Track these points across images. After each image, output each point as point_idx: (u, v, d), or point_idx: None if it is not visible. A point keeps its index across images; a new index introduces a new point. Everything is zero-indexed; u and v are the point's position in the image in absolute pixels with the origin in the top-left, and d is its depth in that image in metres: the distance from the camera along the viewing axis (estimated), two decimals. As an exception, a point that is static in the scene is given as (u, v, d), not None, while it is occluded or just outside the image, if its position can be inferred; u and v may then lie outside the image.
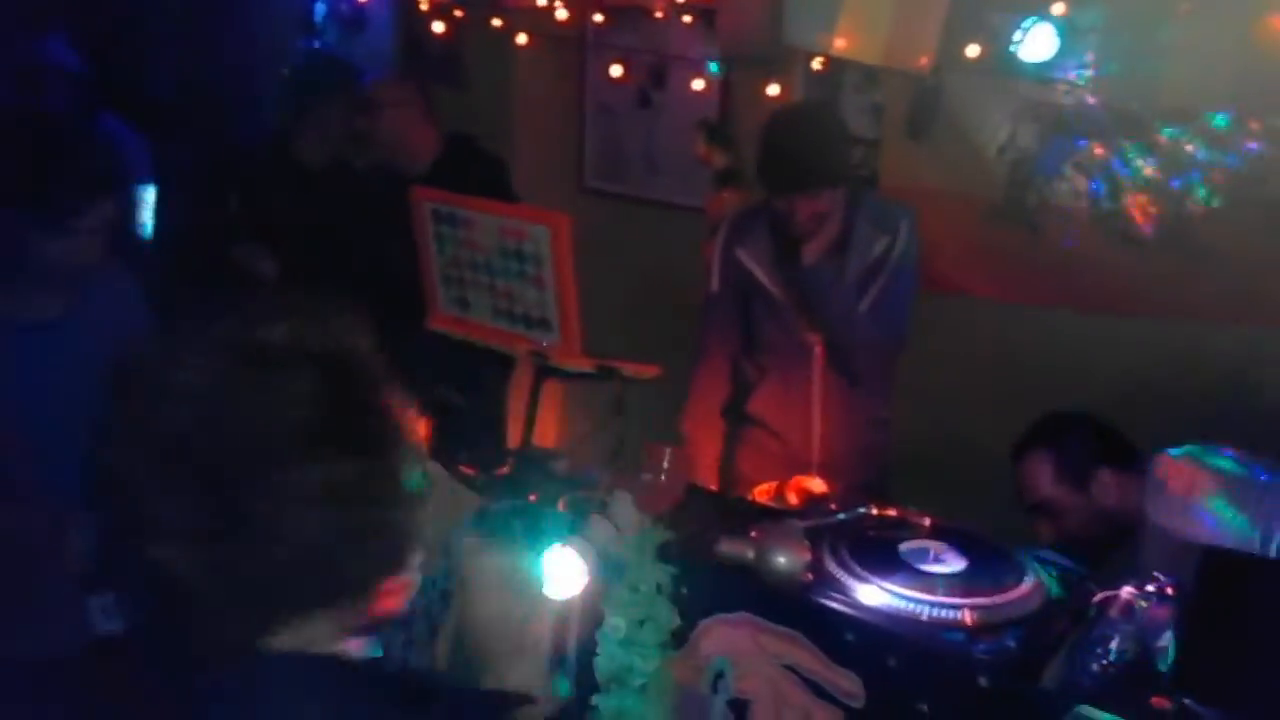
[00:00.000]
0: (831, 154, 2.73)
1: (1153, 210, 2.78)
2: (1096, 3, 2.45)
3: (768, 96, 3.39)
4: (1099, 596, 1.89)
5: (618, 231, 4.22)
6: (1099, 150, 2.91)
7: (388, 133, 3.41)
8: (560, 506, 2.12)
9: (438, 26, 3.74)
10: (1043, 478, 2.47)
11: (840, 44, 2.08)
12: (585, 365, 2.47)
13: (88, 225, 2.14)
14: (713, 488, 2.59)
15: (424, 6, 3.48)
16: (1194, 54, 1.92)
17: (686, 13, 3.55)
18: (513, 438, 3.19)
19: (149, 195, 4.16)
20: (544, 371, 2.52)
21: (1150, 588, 1.86)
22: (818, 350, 2.82)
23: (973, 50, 2.63)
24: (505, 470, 2.42)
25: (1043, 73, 2.86)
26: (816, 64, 3.02)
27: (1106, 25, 2.55)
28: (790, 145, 2.69)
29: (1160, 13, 1.98)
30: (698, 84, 3.76)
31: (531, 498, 2.22)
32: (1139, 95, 2.22)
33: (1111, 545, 2.34)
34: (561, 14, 3.55)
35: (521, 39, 3.78)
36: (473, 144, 3.53)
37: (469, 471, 2.37)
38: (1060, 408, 2.61)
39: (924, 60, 2.12)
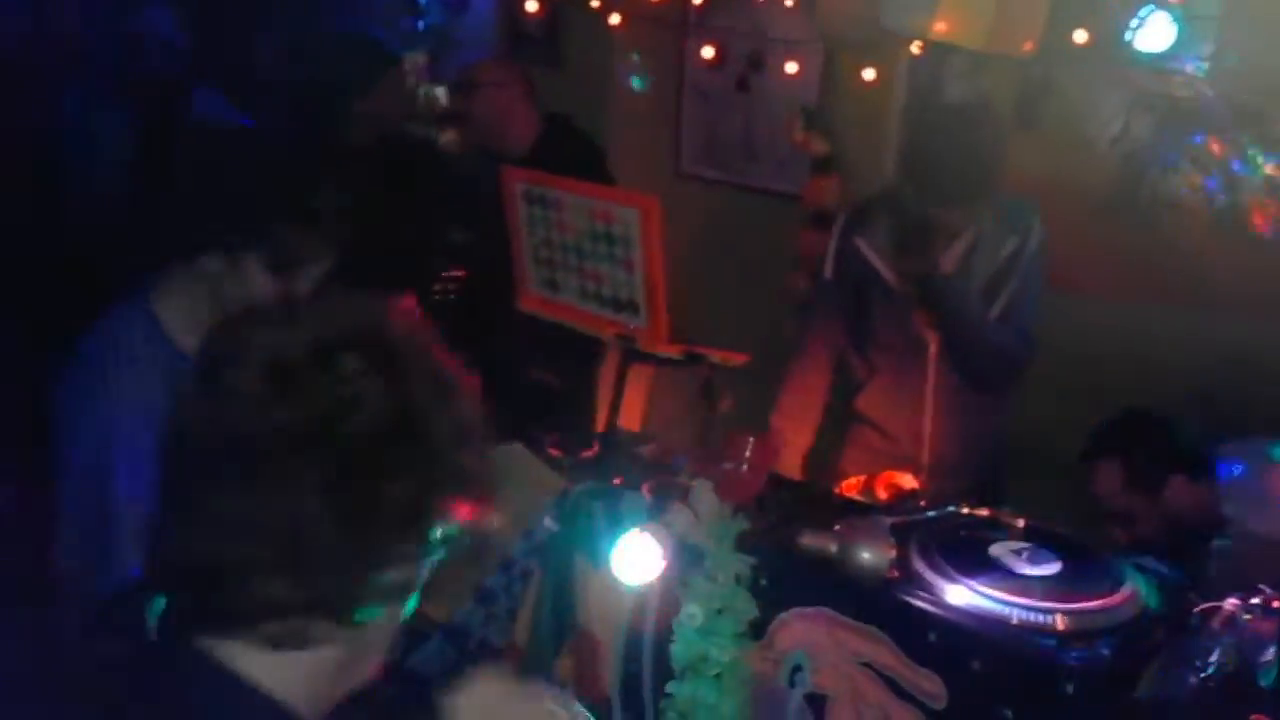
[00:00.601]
0: (992, 162, 2.54)
1: (1271, 208, 2.66)
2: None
3: (866, 82, 3.32)
4: (1200, 607, 1.82)
5: (713, 217, 4.20)
6: (1216, 145, 2.79)
7: (486, 114, 3.40)
8: (645, 491, 2.11)
9: (532, 5, 3.74)
10: (1114, 484, 2.40)
11: (940, 28, 2.01)
12: (672, 351, 2.45)
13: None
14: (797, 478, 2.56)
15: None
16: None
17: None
18: (600, 421, 3.20)
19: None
20: (631, 355, 2.50)
21: (1256, 600, 1.78)
22: (933, 348, 2.71)
23: (1080, 36, 2.52)
24: (591, 453, 2.42)
25: (1158, 62, 2.75)
26: (916, 48, 2.93)
27: (1225, 15, 2.43)
28: (949, 153, 2.49)
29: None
30: (795, 68, 3.70)
31: (616, 481, 2.22)
32: (1258, 89, 2.12)
33: (1187, 550, 2.25)
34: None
35: (616, 19, 3.75)
36: (570, 126, 3.53)
37: (555, 453, 2.38)
38: (1128, 408, 2.52)
39: (1029, 45, 2.04)
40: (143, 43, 4.17)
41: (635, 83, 4.13)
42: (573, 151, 3.41)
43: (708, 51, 3.78)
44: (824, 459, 2.88)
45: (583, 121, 3.62)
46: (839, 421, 2.90)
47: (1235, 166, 2.89)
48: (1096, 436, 2.44)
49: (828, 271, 2.84)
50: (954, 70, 3.32)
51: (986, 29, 1.97)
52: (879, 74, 3.27)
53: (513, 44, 4.41)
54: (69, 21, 4.57)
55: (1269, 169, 2.80)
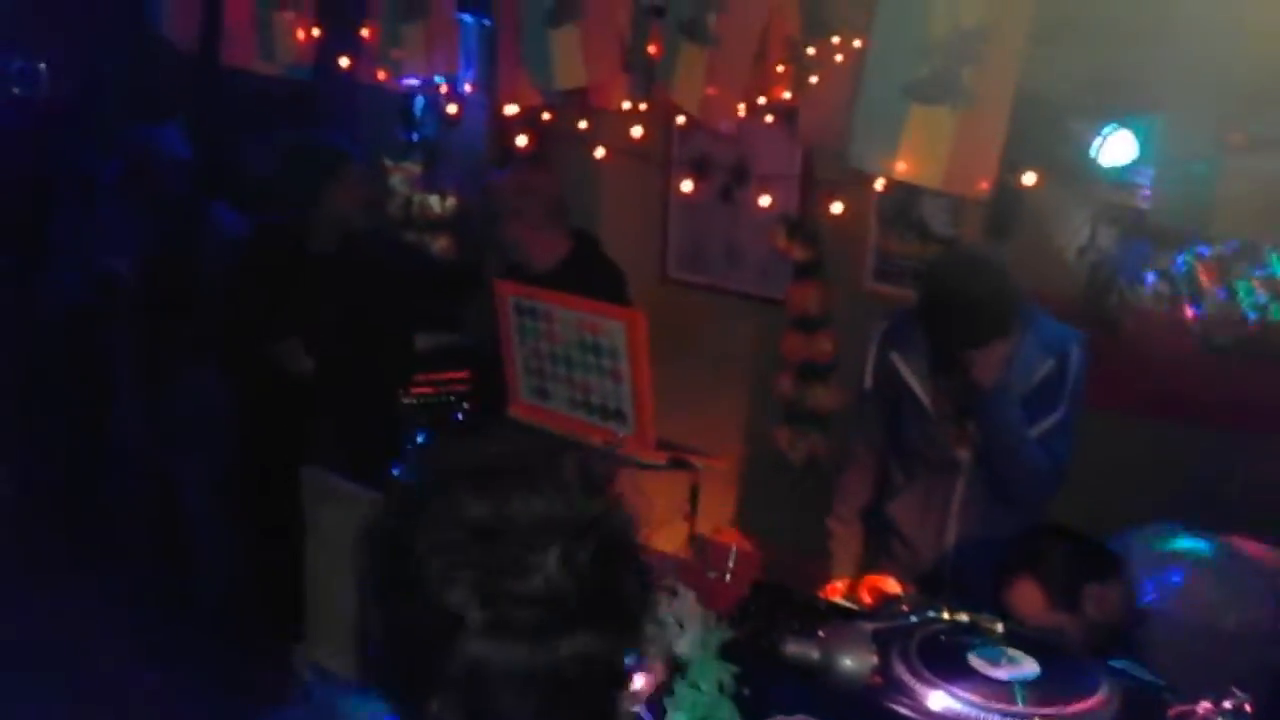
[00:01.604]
0: (1001, 306, 2.59)
1: (1235, 318, 2.74)
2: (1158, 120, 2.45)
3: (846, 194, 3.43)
4: (1175, 711, 1.85)
5: (698, 320, 4.29)
6: (1180, 259, 2.89)
7: (520, 236, 3.34)
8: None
9: (521, 140, 3.85)
10: (1035, 605, 2.35)
11: (901, 168, 2.14)
12: (658, 458, 2.52)
13: None
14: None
15: (511, 112, 3.57)
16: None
17: (769, 112, 3.63)
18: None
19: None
20: (618, 461, 2.56)
21: (1228, 704, 1.82)
22: (963, 464, 2.74)
23: (1029, 178, 2.61)
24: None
25: (1120, 177, 2.87)
26: (879, 185, 3.02)
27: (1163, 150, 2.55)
28: (958, 300, 2.56)
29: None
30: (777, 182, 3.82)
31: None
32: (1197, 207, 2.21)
33: (1112, 651, 2.25)
34: (637, 130, 3.63)
35: (601, 153, 3.88)
36: (598, 249, 3.53)
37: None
38: (1035, 525, 2.51)
39: (984, 185, 2.16)
40: (156, 163, 4.28)
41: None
42: (598, 272, 3.39)
43: (687, 185, 3.95)
44: (860, 565, 2.89)
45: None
46: (871, 527, 2.93)
47: (1197, 276, 2.98)
48: (1007, 558, 2.40)
49: (867, 381, 2.87)
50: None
51: (942, 171, 2.09)
52: (863, 184, 3.37)
53: (502, 155, 4.54)
54: (82, 144, 4.75)
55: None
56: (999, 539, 2.67)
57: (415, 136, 5.22)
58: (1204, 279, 2.83)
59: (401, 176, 5.25)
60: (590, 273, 3.34)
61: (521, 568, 1.04)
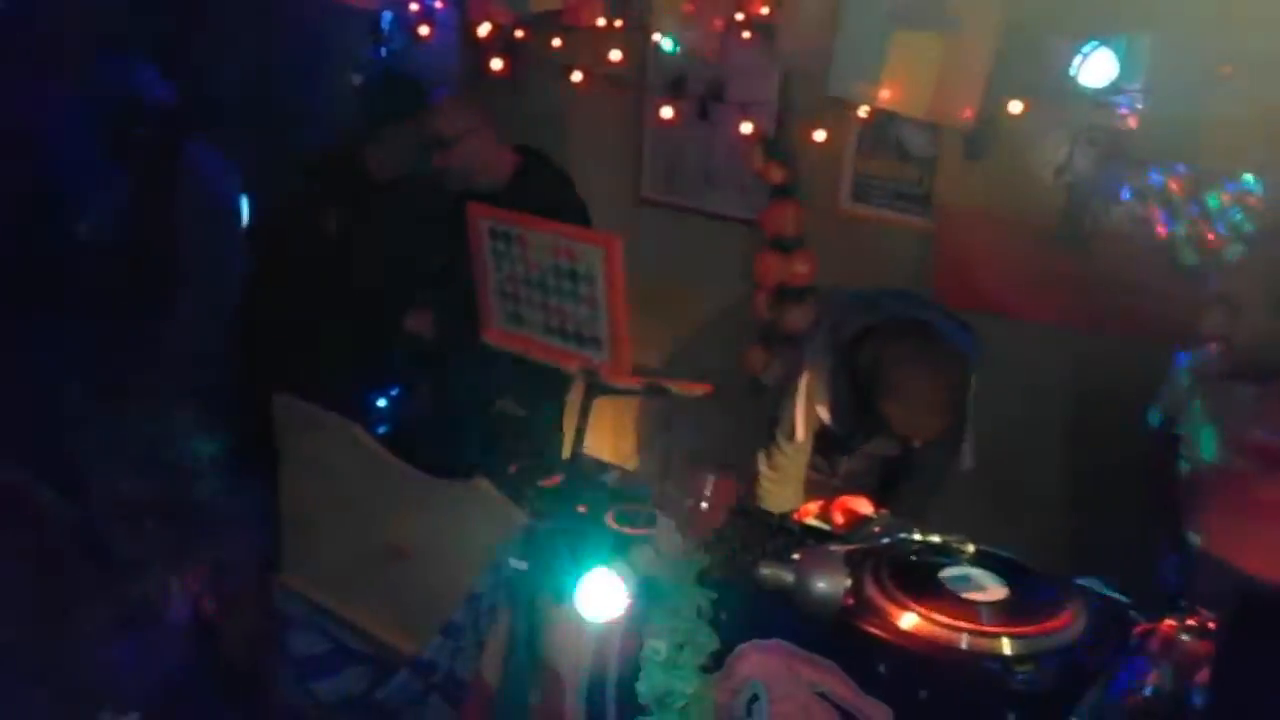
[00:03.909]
0: (960, 402, 2.56)
1: (1210, 238, 2.75)
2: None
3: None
4: (1140, 628, 1.90)
5: (674, 242, 4.27)
6: (1155, 176, 2.88)
7: (465, 163, 3.39)
8: (608, 519, 2.17)
9: (497, 64, 3.79)
10: None
11: (885, 96, 2.11)
12: (635, 384, 2.52)
13: None
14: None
15: (485, 30, 3.50)
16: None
17: (745, 28, 3.57)
18: (566, 451, 3.25)
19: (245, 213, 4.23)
20: (595, 388, 2.56)
21: (1192, 622, 1.86)
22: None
23: (1015, 106, 2.56)
24: (553, 482, 2.47)
25: (1099, 96, 2.84)
26: (863, 112, 2.99)
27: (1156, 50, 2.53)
28: (923, 404, 2.45)
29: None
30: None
31: (581, 509, 2.27)
32: (1189, 121, 2.20)
33: None
34: (615, 55, 3.58)
35: (578, 77, 3.82)
36: (546, 161, 3.55)
37: (520, 479, 2.42)
38: None
39: (968, 113, 2.13)
40: (139, 108, 4.12)
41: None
42: (547, 185, 3.44)
43: (667, 112, 3.88)
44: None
45: (543, 148, 3.66)
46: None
47: (1175, 196, 2.98)
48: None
49: (799, 435, 2.79)
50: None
51: (927, 99, 2.07)
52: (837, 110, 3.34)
53: (475, 71, 4.45)
54: (64, 87, 4.55)
55: (1224, 198, 2.87)
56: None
57: (384, 52, 5.11)
58: (1177, 194, 2.83)
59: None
60: (540, 185, 3.39)
61: None
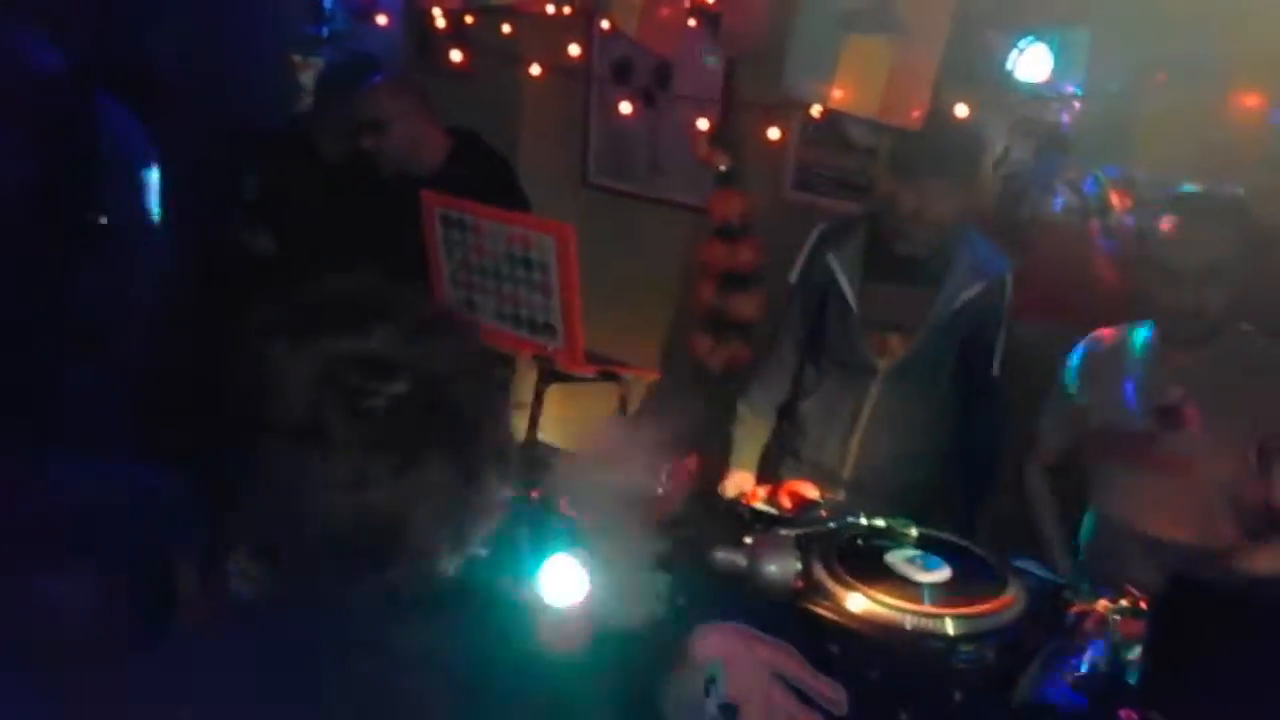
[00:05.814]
0: (970, 149, 2.63)
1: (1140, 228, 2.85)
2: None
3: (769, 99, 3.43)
4: (1075, 608, 1.99)
5: (620, 227, 4.29)
6: (1090, 167, 2.98)
7: (398, 146, 3.40)
8: (562, 505, 2.20)
9: (456, 55, 3.79)
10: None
11: (837, 97, 2.17)
12: (588, 370, 2.55)
13: None
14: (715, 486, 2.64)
15: (436, 14, 3.48)
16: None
17: (691, 15, 3.60)
18: (519, 436, 3.27)
19: (152, 178, 4.16)
20: (549, 375, 2.59)
21: (1124, 602, 1.95)
22: (880, 372, 2.78)
23: (961, 110, 2.65)
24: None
25: (1037, 90, 2.93)
26: (815, 111, 3.03)
27: (1095, 46, 2.61)
28: (933, 132, 2.52)
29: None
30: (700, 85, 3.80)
31: (534, 494, 2.30)
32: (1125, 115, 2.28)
33: None
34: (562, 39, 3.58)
35: (536, 70, 3.82)
36: (479, 142, 3.57)
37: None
38: None
39: (916, 114, 2.21)
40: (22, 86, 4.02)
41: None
42: (483, 167, 3.45)
43: (626, 107, 3.95)
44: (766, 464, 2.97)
45: (491, 132, 3.66)
46: (781, 425, 2.96)
47: (1107, 186, 3.08)
48: None
49: (793, 276, 2.86)
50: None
51: (878, 100, 2.13)
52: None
53: (420, 52, 4.42)
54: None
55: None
56: (904, 454, 2.81)
57: (325, 31, 5.04)
58: (1114, 199, 2.92)
59: (311, 74, 5.08)
60: (476, 166, 3.40)
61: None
